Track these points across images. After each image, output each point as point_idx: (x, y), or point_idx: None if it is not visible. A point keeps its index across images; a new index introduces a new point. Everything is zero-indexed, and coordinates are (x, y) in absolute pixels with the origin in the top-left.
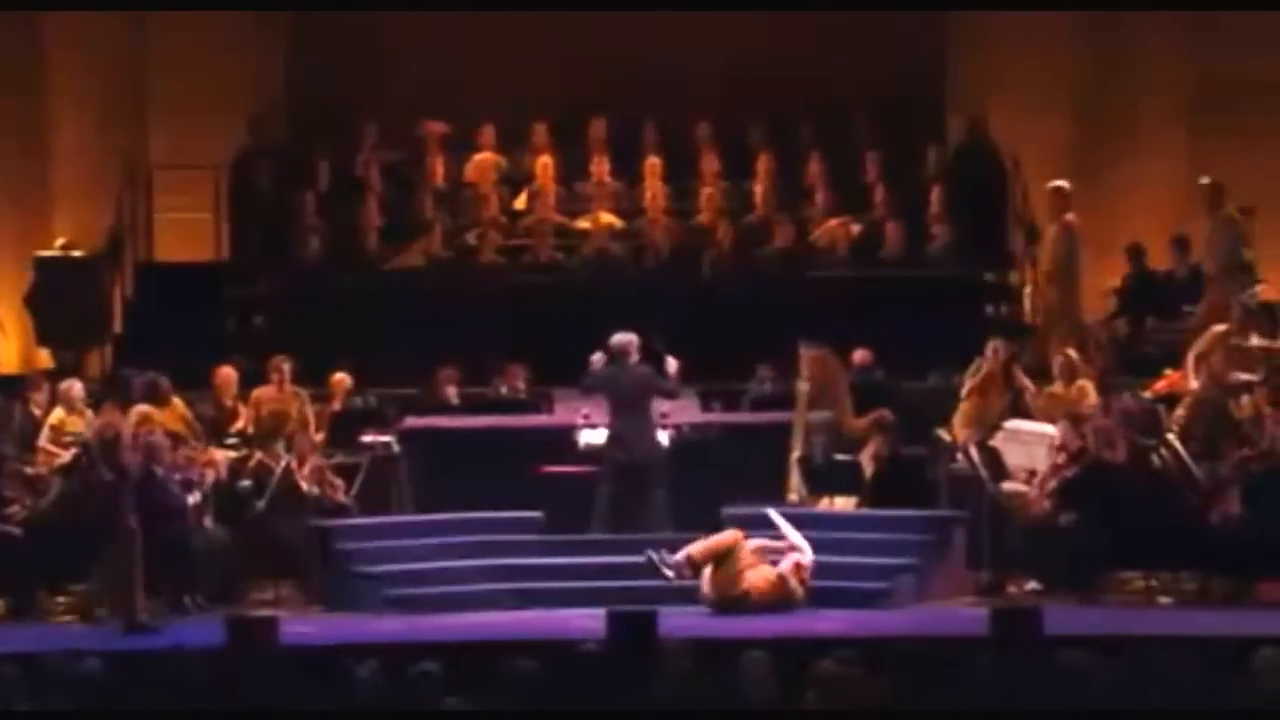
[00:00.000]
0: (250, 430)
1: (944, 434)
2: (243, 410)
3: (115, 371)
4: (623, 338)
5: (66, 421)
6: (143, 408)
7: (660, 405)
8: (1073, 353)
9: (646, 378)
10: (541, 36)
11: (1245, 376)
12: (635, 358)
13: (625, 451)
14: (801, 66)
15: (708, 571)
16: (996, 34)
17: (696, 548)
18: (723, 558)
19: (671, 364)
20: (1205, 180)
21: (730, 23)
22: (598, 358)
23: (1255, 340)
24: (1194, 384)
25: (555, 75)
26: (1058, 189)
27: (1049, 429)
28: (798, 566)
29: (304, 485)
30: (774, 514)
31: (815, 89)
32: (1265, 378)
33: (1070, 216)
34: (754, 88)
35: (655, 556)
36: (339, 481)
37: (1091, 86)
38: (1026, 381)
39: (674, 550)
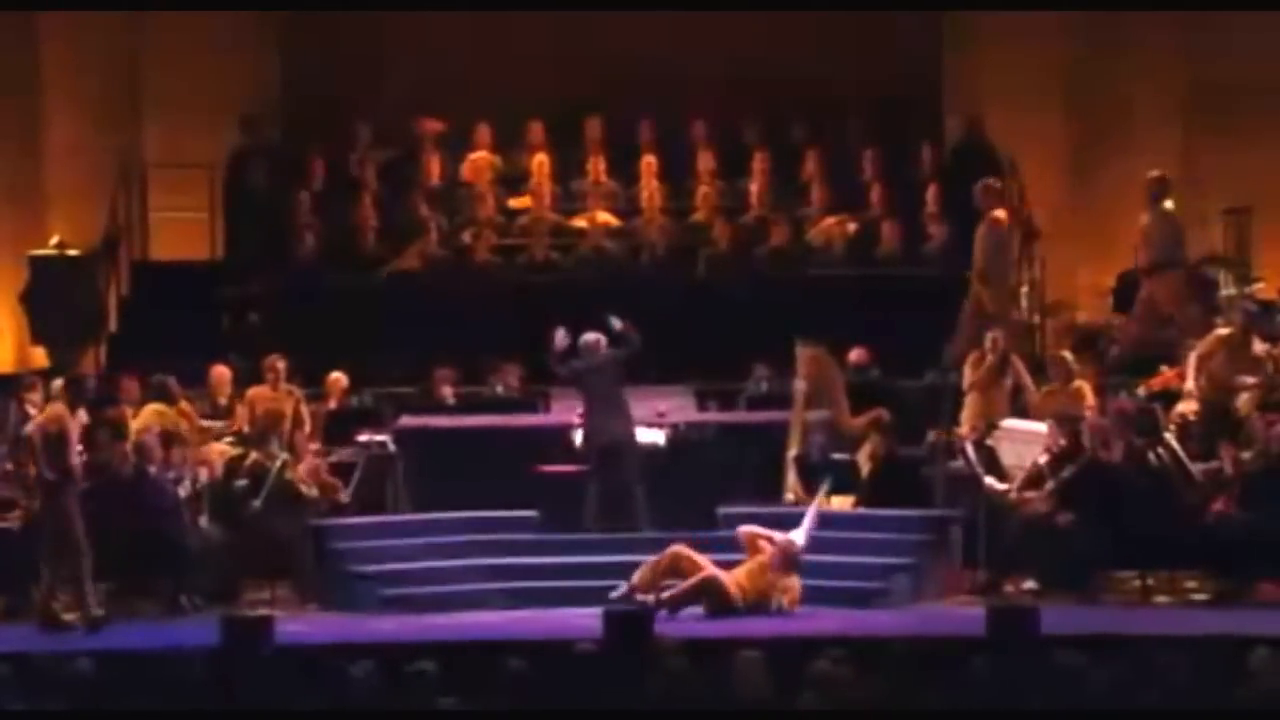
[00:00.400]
0: (245, 429)
1: (940, 433)
2: (238, 409)
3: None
4: (589, 336)
5: None
6: (155, 406)
7: (656, 404)
8: (1067, 354)
9: (609, 357)
10: (538, 36)
11: (1248, 380)
12: (602, 351)
13: (600, 435)
14: (799, 66)
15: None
16: (993, 34)
17: (670, 591)
18: (712, 592)
19: (616, 322)
20: (1154, 173)
21: (727, 23)
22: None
23: (1258, 345)
24: (1191, 384)
25: (552, 74)
26: (986, 185)
27: (1044, 428)
28: (784, 552)
29: (300, 485)
30: (816, 502)
31: (812, 89)
32: (1262, 381)
33: (999, 213)
34: (751, 88)
35: (618, 595)
36: (335, 481)
37: (1088, 86)
38: (1027, 380)
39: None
